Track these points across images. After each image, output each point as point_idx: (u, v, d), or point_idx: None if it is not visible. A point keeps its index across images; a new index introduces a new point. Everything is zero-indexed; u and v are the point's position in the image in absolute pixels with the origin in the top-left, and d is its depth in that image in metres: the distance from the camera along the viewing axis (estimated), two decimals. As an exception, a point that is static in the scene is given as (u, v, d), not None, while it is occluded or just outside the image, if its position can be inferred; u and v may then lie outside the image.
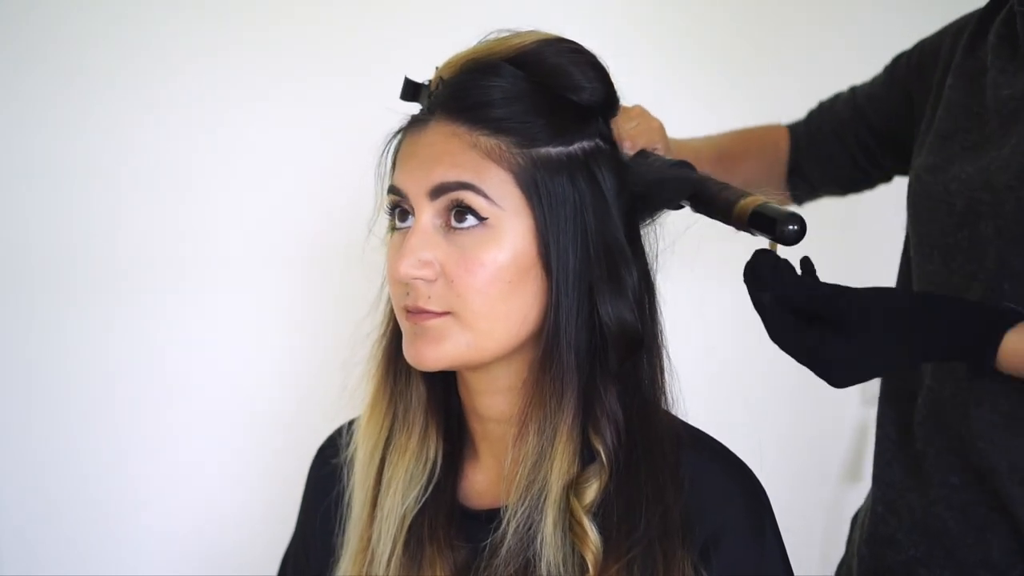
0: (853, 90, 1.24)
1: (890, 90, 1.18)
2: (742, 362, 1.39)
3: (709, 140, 1.26)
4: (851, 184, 1.28)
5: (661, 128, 1.01)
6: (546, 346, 0.82)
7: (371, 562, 0.90)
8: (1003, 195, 0.92)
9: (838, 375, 0.87)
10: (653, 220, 0.89)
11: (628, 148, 0.91)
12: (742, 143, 1.29)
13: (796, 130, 1.29)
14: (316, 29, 1.48)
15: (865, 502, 1.14)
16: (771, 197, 0.85)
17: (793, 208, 0.93)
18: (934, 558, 0.99)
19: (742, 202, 0.85)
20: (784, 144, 1.28)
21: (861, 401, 1.77)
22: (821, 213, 1.74)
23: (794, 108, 1.31)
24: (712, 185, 0.89)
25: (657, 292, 0.88)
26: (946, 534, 0.98)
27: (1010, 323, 0.84)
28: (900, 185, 1.14)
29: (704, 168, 1.17)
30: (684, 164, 0.91)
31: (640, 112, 0.99)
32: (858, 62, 1.28)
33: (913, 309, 0.88)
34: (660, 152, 0.95)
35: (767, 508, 0.85)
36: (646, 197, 0.87)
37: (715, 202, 0.88)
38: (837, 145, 1.24)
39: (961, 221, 0.97)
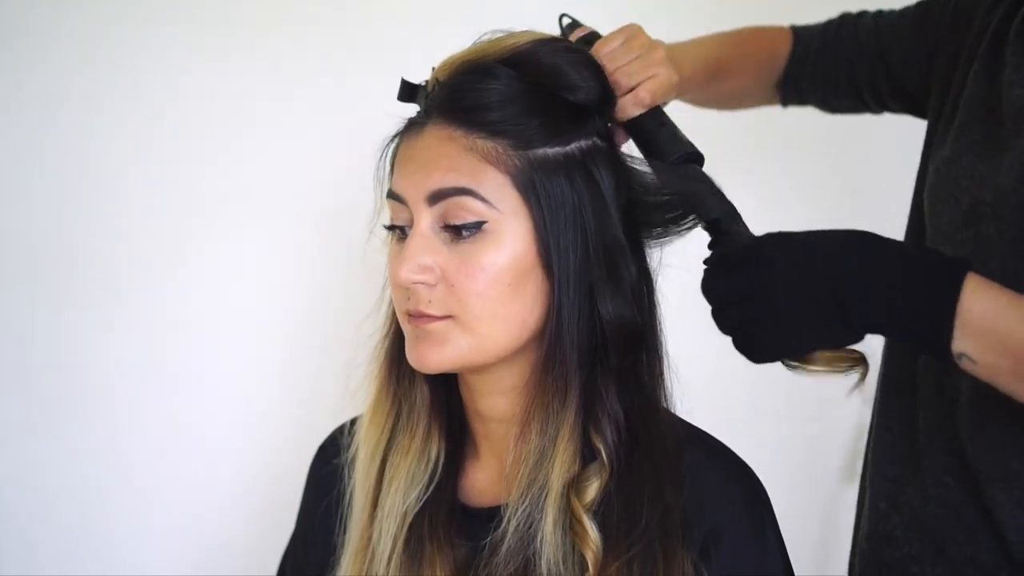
0: (878, 19, 1.18)
1: (918, 37, 1.12)
2: (741, 360, 1.38)
3: (705, 51, 1.15)
4: (842, 108, 1.24)
5: (678, 83, 0.97)
6: (548, 347, 0.83)
7: (371, 560, 0.90)
8: (1006, 197, 0.92)
9: (758, 347, 0.82)
10: (661, 240, 0.88)
11: (645, 101, 0.90)
12: (738, 56, 1.21)
13: (805, 37, 1.22)
14: (315, 32, 1.48)
15: (861, 498, 1.14)
16: None
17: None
18: (926, 556, 0.99)
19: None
20: (784, 49, 1.22)
21: (861, 401, 1.77)
22: (824, 212, 1.75)
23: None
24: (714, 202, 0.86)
25: (656, 289, 0.88)
26: (939, 532, 0.98)
27: (960, 280, 0.76)
28: (905, 179, 1.14)
29: (697, 86, 1.12)
30: (695, 158, 0.89)
31: (662, 60, 0.94)
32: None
33: (843, 272, 0.78)
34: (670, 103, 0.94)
35: (767, 507, 0.85)
36: (648, 212, 0.86)
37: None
38: (847, 74, 1.19)
39: (966, 220, 0.96)
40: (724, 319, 0.82)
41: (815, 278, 0.78)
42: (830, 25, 1.22)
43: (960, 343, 0.76)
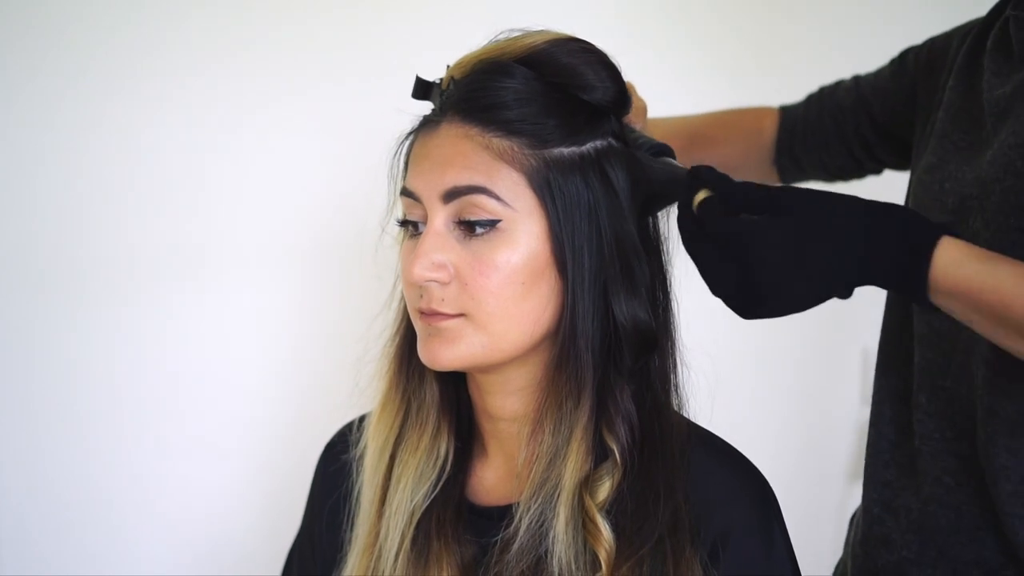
0: (857, 79, 1.22)
1: (896, 84, 1.16)
2: (742, 361, 1.39)
3: (683, 121, 1.22)
4: (841, 173, 1.26)
5: (644, 109, 1.03)
6: (562, 347, 0.83)
7: (379, 558, 0.90)
8: (990, 187, 0.93)
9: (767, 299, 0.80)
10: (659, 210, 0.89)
11: None
12: (720, 127, 1.26)
13: (791, 113, 1.27)
14: (327, 29, 1.48)
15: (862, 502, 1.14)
16: None
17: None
18: (926, 557, 0.99)
19: None
20: (771, 127, 1.27)
21: (861, 401, 1.78)
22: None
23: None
24: None
25: (673, 290, 0.88)
26: (939, 533, 0.98)
27: (937, 236, 0.80)
28: (894, 188, 1.15)
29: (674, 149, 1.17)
30: (666, 149, 0.90)
31: (629, 88, 0.98)
32: (855, 61, 1.28)
33: (850, 213, 0.80)
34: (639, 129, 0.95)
35: (775, 508, 0.86)
36: (652, 196, 0.87)
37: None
38: (834, 133, 1.22)
39: (952, 220, 0.97)
40: (730, 266, 0.82)
41: (785, 250, 0.79)
42: (812, 95, 1.27)
43: (938, 300, 0.81)
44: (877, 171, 1.25)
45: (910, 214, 0.82)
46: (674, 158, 0.90)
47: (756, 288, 0.80)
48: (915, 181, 1.05)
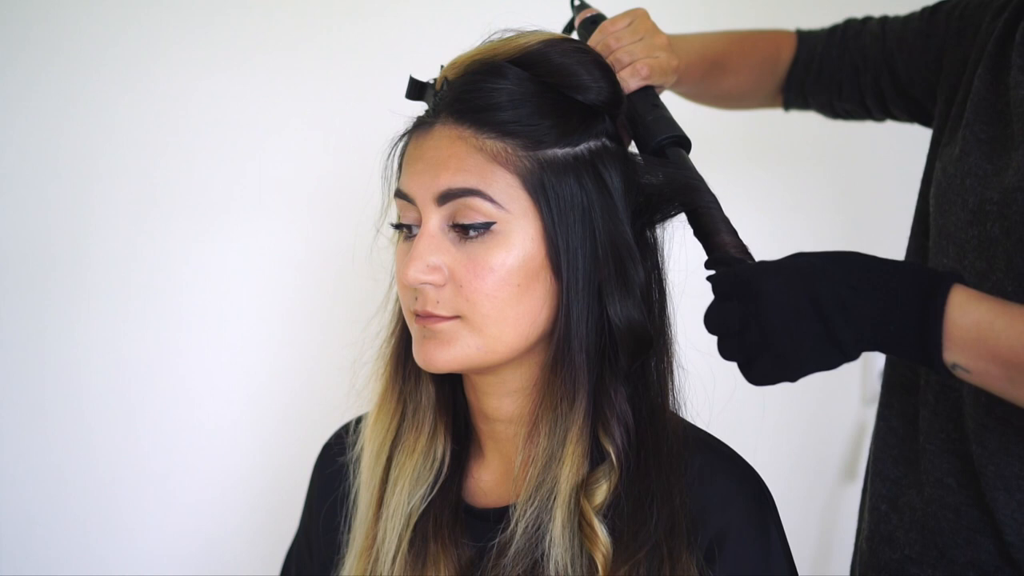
0: (884, 24, 1.18)
1: (924, 43, 1.13)
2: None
3: (705, 44, 1.17)
4: (845, 114, 1.25)
5: (667, 43, 0.98)
6: (557, 348, 0.82)
7: (376, 560, 0.89)
8: (1012, 196, 0.92)
9: (756, 372, 0.81)
10: (656, 223, 0.88)
11: (643, 72, 0.91)
12: (739, 55, 1.22)
13: (809, 43, 1.23)
14: (321, 30, 1.47)
15: (863, 499, 1.14)
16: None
17: None
18: (927, 557, 0.99)
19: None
20: (787, 54, 1.23)
21: (861, 401, 1.78)
22: (822, 218, 1.76)
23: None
24: (715, 213, 0.86)
25: (669, 291, 0.88)
26: (940, 534, 0.98)
27: (944, 294, 0.76)
28: (902, 185, 1.14)
29: (692, 79, 1.13)
30: (682, 142, 0.89)
31: (664, 45, 0.96)
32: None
33: (831, 294, 0.78)
34: (664, 88, 0.94)
35: (772, 509, 0.85)
36: (650, 198, 0.86)
37: (709, 236, 0.86)
38: (851, 78, 1.19)
39: (972, 219, 0.96)
40: (723, 349, 0.82)
41: (798, 302, 0.78)
42: (835, 30, 1.23)
43: (951, 354, 0.77)
44: (881, 120, 1.24)
45: (920, 266, 0.80)
46: (688, 148, 0.90)
47: (775, 342, 0.78)
48: (939, 170, 1.04)
